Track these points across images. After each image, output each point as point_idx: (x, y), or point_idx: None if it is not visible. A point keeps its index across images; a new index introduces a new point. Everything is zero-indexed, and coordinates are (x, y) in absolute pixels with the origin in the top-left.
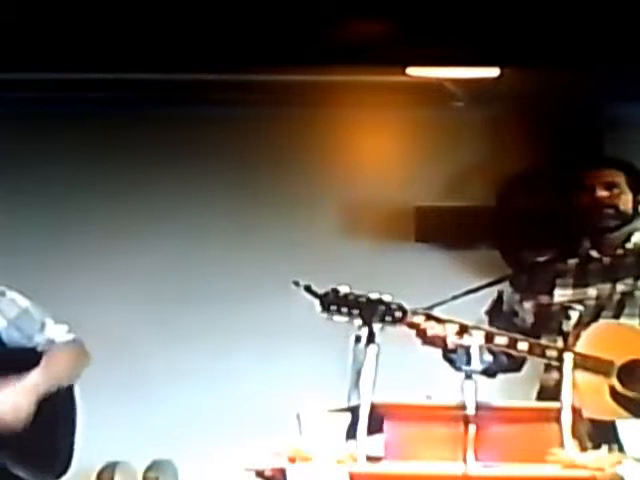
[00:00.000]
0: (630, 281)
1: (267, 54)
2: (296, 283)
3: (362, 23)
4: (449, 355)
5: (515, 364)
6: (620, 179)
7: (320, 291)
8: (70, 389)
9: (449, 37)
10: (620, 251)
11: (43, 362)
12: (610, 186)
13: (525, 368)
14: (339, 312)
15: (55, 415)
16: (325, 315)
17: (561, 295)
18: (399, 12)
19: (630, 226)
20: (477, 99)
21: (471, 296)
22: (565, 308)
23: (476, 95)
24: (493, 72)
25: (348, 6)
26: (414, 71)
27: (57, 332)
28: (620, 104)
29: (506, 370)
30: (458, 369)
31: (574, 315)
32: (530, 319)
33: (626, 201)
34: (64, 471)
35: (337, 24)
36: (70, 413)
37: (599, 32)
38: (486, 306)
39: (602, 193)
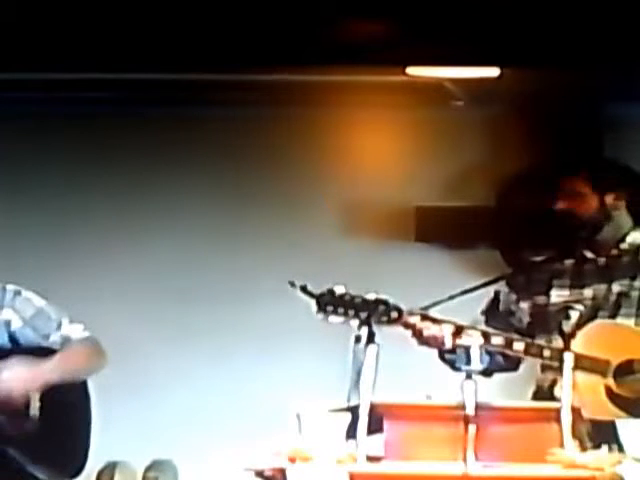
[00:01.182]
0: (626, 281)
1: (267, 54)
2: (292, 284)
3: (362, 23)
4: (445, 356)
5: (512, 363)
6: (579, 185)
7: (317, 291)
8: (85, 390)
9: (449, 37)
10: (615, 251)
11: (57, 355)
12: (571, 195)
13: (522, 368)
14: (335, 313)
15: (71, 415)
16: (321, 316)
17: (558, 296)
18: (399, 12)
19: (613, 224)
20: (477, 99)
21: (466, 296)
22: (565, 308)
23: (476, 95)
24: (493, 72)
25: (348, 6)
26: (414, 71)
27: (73, 330)
28: (620, 104)
29: (502, 369)
30: (456, 369)
31: (574, 315)
32: (526, 319)
33: (590, 206)
34: (79, 471)
35: (337, 24)
36: (85, 413)
37: (599, 32)
38: (482, 306)
39: (564, 204)
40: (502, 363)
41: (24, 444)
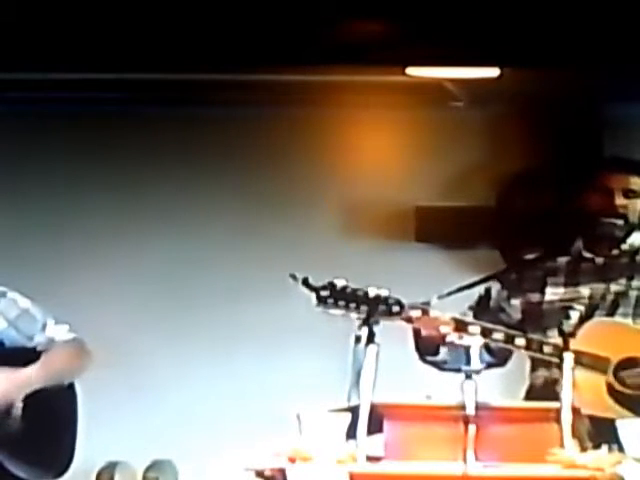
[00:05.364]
0: (624, 281)
1: (267, 54)
2: (293, 277)
3: (362, 23)
4: (427, 358)
5: (499, 359)
6: (637, 186)
7: (318, 284)
8: (71, 388)
9: (449, 37)
10: (615, 252)
11: (41, 359)
12: (629, 194)
13: (513, 365)
14: (336, 305)
15: (55, 414)
16: (321, 308)
17: (553, 294)
18: (399, 12)
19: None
20: (477, 99)
21: (457, 293)
22: (565, 308)
23: (476, 95)
24: (493, 72)
25: (348, 6)
26: (414, 71)
27: (58, 331)
28: (620, 104)
29: (489, 366)
30: (443, 370)
31: (574, 315)
32: (517, 316)
33: (635, 210)
34: (64, 470)
35: (337, 24)
36: (71, 413)
37: (599, 32)
38: (471, 302)
39: (620, 201)
40: (488, 359)
41: (6, 444)
